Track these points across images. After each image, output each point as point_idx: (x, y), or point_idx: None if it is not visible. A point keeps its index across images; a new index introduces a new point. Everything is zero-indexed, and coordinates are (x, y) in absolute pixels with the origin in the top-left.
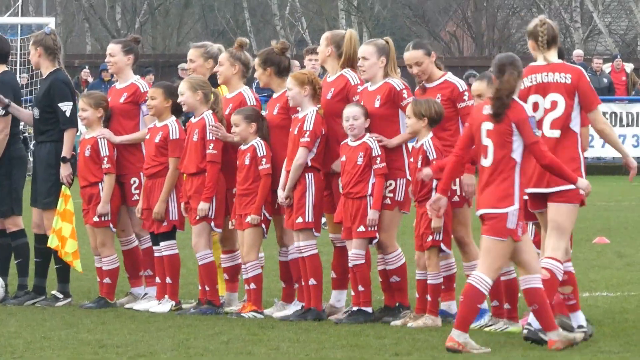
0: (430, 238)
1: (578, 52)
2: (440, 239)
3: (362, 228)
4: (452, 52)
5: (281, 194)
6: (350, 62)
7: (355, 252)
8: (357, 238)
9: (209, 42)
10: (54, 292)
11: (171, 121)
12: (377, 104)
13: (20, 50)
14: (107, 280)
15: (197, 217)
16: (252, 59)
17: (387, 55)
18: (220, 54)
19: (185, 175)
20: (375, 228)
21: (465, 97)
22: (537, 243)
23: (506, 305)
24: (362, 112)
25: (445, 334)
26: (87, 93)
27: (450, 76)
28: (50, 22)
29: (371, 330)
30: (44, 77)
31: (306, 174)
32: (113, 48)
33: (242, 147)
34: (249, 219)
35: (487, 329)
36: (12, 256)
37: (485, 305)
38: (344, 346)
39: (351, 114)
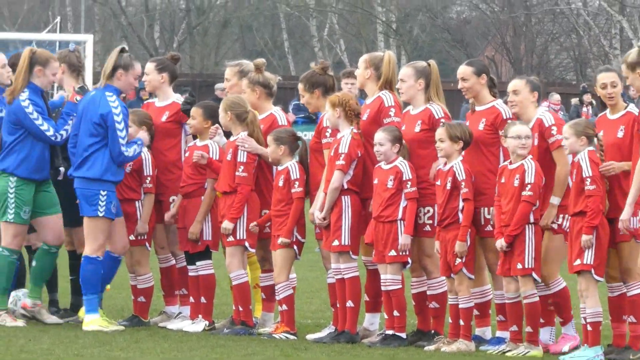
0: (457, 261)
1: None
2: (464, 262)
3: (393, 252)
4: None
5: (318, 215)
6: (389, 84)
7: (390, 277)
8: (391, 263)
9: (246, 60)
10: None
11: (212, 142)
12: (417, 129)
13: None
14: (141, 298)
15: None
16: (277, 78)
17: (427, 78)
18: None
19: (220, 194)
20: (407, 253)
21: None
22: None
23: (527, 329)
24: (387, 138)
25: (478, 358)
26: (132, 110)
27: (499, 103)
28: (88, 39)
29: (404, 354)
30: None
31: (343, 197)
32: (147, 67)
33: (279, 168)
34: (279, 240)
35: (508, 354)
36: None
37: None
38: None
39: (377, 139)
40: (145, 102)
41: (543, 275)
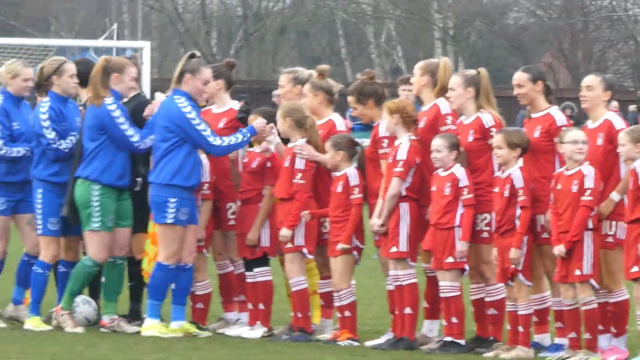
0: (512, 267)
1: None
2: (520, 269)
3: (451, 259)
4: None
5: (376, 222)
6: (445, 90)
7: (448, 284)
8: (448, 270)
9: (301, 67)
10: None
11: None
12: (470, 139)
13: None
14: (199, 305)
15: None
16: (340, 86)
17: (476, 86)
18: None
19: (277, 200)
20: (465, 259)
21: (563, 132)
22: None
23: (586, 335)
24: (444, 145)
25: None
26: None
27: (553, 110)
28: (145, 46)
29: None
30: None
31: (401, 204)
32: None
33: (337, 174)
34: (339, 246)
35: None
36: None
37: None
38: None
39: (434, 146)
40: (203, 109)
41: (606, 284)
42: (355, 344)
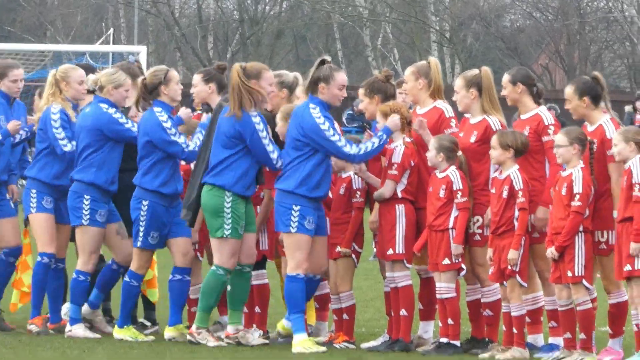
0: (510, 268)
1: None
2: (517, 270)
3: (447, 261)
4: (544, 84)
5: (374, 219)
6: (439, 90)
7: (444, 286)
8: (444, 271)
9: (286, 71)
10: (141, 319)
11: None
12: (472, 139)
13: None
14: (195, 309)
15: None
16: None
17: (478, 86)
18: (296, 82)
19: None
20: (460, 260)
21: (550, 131)
22: None
23: (581, 336)
24: (434, 146)
25: None
26: (186, 120)
27: (541, 109)
28: (141, 50)
29: None
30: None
31: (397, 205)
32: (194, 78)
33: (342, 175)
34: (341, 250)
35: None
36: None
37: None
38: None
39: (429, 145)
40: (194, 113)
41: (605, 285)
42: (352, 346)
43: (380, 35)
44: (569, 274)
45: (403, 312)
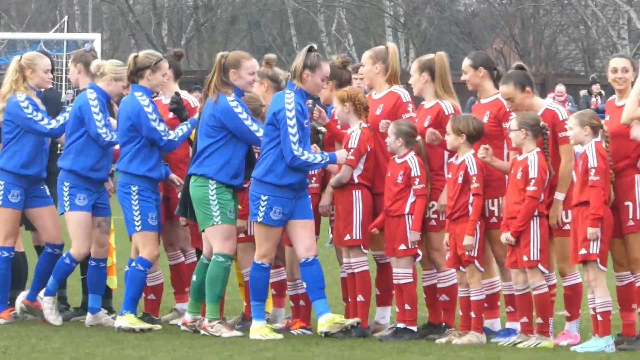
0: (466, 254)
1: None
2: (475, 255)
3: (403, 246)
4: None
5: (325, 203)
6: (395, 75)
7: (401, 271)
8: (401, 257)
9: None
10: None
11: None
12: (425, 124)
13: (66, 66)
14: (151, 296)
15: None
16: (287, 74)
17: (431, 71)
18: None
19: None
20: (417, 246)
21: (512, 117)
22: None
23: (538, 320)
24: (392, 131)
25: (489, 350)
26: None
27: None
28: (95, 38)
29: (416, 347)
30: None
31: (354, 191)
32: None
33: None
34: None
35: (519, 345)
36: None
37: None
38: None
39: (388, 131)
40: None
41: (561, 268)
42: (309, 332)
43: (334, 21)
44: (525, 258)
45: (360, 297)
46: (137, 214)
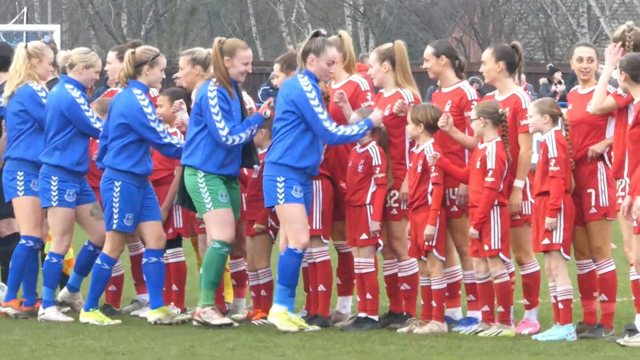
0: (426, 244)
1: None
2: (434, 244)
3: (364, 236)
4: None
5: None
6: (352, 63)
7: (363, 261)
8: (362, 246)
9: (199, 47)
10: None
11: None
12: (386, 113)
13: None
14: (112, 287)
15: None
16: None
17: (391, 60)
18: (210, 58)
19: None
20: (378, 235)
21: (473, 107)
22: None
23: (499, 309)
24: (355, 119)
25: (451, 339)
26: (97, 100)
27: (464, 84)
28: (55, 29)
29: (377, 336)
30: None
31: (314, 181)
32: (109, 56)
33: (259, 152)
34: (256, 226)
35: (481, 334)
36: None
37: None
38: (349, 353)
39: (350, 121)
40: (109, 89)
41: (518, 257)
42: (270, 322)
43: (294, 11)
44: (486, 247)
45: (321, 287)
46: (115, 212)
